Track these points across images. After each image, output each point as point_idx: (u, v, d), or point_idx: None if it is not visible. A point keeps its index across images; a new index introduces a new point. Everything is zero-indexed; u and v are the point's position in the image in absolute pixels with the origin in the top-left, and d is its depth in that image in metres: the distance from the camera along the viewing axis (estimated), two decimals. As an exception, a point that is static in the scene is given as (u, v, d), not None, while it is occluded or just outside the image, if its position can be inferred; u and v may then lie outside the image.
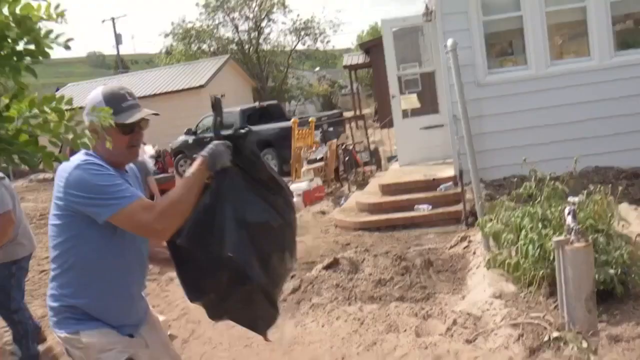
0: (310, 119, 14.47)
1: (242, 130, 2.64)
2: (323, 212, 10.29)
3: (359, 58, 30.06)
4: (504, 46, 9.87)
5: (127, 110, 2.51)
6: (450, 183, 8.67)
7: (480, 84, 8.52)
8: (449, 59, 7.94)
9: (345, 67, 30.95)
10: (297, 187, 11.23)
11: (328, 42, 38.17)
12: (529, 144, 8.22)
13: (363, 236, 8.32)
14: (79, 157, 2.47)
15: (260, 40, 36.89)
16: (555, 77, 8.52)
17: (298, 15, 52.48)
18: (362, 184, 11.77)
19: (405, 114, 10.52)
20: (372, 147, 15.16)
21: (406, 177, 9.45)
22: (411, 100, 10.47)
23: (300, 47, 37.93)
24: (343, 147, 13.61)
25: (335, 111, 22.40)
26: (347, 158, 13.03)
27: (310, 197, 11.24)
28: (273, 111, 19.14)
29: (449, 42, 7.80)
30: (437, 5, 8.78)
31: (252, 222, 2.52)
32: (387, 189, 9.25)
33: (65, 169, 2.43)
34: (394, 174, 10.17)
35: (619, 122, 8.37)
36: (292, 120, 14.02)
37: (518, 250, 4.98)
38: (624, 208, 6.21)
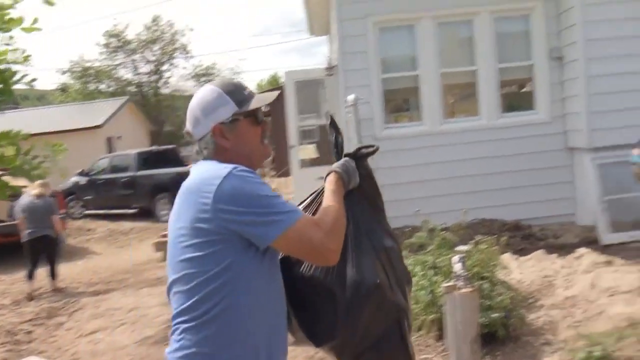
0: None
1: (370, 148, 2.33)
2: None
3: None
4: (401, 102, 10.38)
5: (252, 97, 2.09)
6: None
7: (377, 138, 8.91)
8: (349, 113, 8.31)
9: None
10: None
11: (229, 89, 38.25)
12: (422, 196, 8.62)
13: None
14: (216, 165, 1.95)
15: (160, 84, 36.71)
16: (448, 134, 9.05)
17: (200, 61, 52.52)
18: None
19: (303, 163, 10.81)
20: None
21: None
22: (309, 151, 10.75)
23: (200, 93, 37.83)
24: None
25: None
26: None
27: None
28: (170, 156, 18.99)
29: (351, 97, 8.18)
30: (339, 62, 9.20)
31: (386, 247, 2.24)
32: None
33: (207, 180, 1.88)
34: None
35: (503, 178, 8.98)
36: (189, 165, 14.00)
37: (414, 297, 5.26)
38: (507, 257, 6.67)
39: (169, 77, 37.50)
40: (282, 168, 18.37)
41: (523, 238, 8.53)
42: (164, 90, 37.23)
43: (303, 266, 2.15)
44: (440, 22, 9.20)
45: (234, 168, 1.89)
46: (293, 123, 10.75)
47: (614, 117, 8.35)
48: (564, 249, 7.63)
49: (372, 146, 2.33)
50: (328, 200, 2.06)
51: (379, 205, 2.35)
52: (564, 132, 9.19)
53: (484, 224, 8.71)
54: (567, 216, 9.11)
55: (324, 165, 10.72)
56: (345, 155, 2.29)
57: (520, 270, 6.69)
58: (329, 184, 2.14)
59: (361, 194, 2.26)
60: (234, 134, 2.01)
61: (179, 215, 1.93)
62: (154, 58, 36.19)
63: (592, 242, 8.12)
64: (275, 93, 2.24)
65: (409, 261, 5.42)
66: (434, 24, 9.14)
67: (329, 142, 2.40)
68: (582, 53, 8.50)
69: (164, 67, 36.73)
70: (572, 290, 5.80)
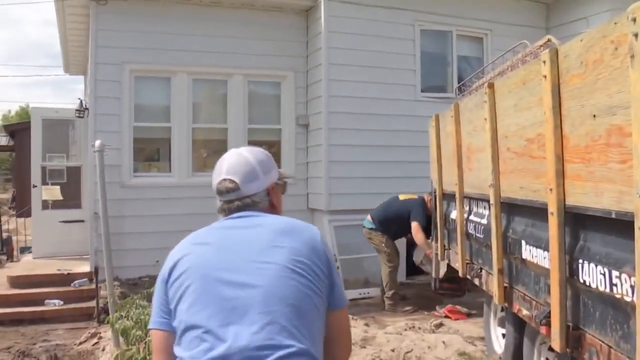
0: None
1: None
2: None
3: (1, 140, 28.12)
4: (152, 152, 10.37)
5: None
6: (86, 279, 8.63)
7: (125, 185, 8.82)
8: (96, 158, 8.13)
9: (-16, 147, 28.64)
10: None
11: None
12: (165, 246, 8.58)
13: (-16, 331, 7.76)
14: (291, 218, 2.06)
15: None
16: (196, 187, 9.15)
17: None
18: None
19: (45, 204, 10.28)
20: (4, 235, 14.21)
21: (39, 269, 9.13)
22: (54, 192, 10.27)
23: None
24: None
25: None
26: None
27: None
28: None
29: (97, 143, 8.00)
30: (91, 105, 9.00)
31: None
32: (16, 281, 8.79)
33: (307, 227, 1.99)
34: (27, 265, 9.74)
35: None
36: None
37: (146, 346, 5.24)
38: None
39: None
40: (22, 207, 17.12)
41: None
42: None
43: None
44: (196, 79, 9.49)
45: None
46: (37, 162, 10.19)
47: (348, 184, 9.16)
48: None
49: None
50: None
51: None
52: (306, 194, 9.87)
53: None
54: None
55: (68, 209, 10.31)
56: None
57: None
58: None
59: None
60: (276, 194, 2.16)
61: (278, 246, 1.88)
62: None
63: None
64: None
65: (147, 310, 5.41)
66: (190, 79, 9.40)
67: None
68: (325, 123, 9.29)
69: None
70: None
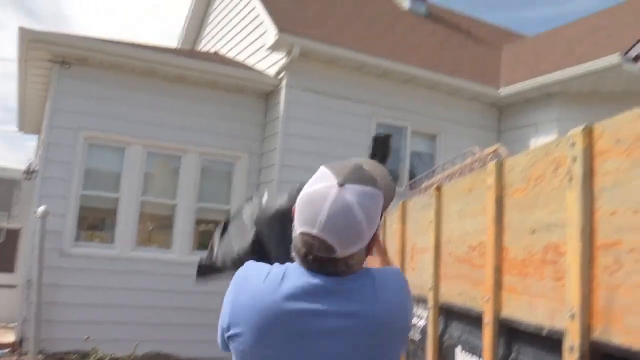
0: None
1: None
2: None
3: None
4: (97, 221, 10.13)
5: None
6: (8, 350, 8.23)
7: (65, 253, 8.58)
8: (38, 223, 7.93)
9: None
10: None
11: None
12: (99, 321, 8.35)
13: None
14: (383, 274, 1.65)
15: None
16: (138, 262, 9.00)
17: None
18: None
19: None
20: None
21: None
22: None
23: None
24: None
25: None
26: None
27: None
28: None
29: (41, 209, 7.84)
30: (40, 167, 8.83)
31: None
32: None
33: (397, 281, 1.67)
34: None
35: (182, 314, 9.02)
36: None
37: None
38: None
39: None
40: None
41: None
42: None
43: None
44: (151, 152, 9.43)
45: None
46: (-24, 221, 9.90)
47: None
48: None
49: None
50: None
51: None
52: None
53: (159, 358, 8.63)
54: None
55: (0, 272, 9.93)
56: None
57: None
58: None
59: None
60: (377, 238, 1.70)
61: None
62: None
63: None
64: None
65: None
66: (145, 151, 9.33)
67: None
68: (276, 207, 9.23)
69: None
70: None
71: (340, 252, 1.51)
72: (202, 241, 9.79)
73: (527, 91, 10.48)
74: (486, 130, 10.75)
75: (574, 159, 2.08)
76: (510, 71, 11.73)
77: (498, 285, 2.72)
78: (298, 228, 1.55)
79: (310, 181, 1.59)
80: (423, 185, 6.49)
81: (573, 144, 2.10)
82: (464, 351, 3.33)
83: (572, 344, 2.01)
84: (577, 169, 2.06)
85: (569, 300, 2.05)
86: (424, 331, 4.06)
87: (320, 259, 1.52)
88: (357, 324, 1.49)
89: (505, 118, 11.20)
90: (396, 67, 10.09)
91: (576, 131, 2.09)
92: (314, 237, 1.50)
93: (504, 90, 10.82)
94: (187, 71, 9.35)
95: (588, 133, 2.05)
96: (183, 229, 9.44)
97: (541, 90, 10.26)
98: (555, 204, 2.26)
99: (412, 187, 7.45)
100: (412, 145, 10.60)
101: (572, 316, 2.02)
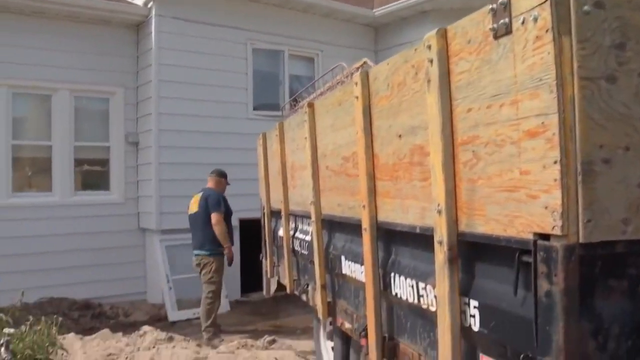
0: None
1: None
2: None
3: None
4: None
5: None
6: None
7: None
8: None
9: None
10: None
11: None
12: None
13: None
14: None
15: None
16: (17, 209, 8.66)
17: None
18: None
19: None
20: None
21: None
22: None
23: None
24: None
25: None
26: None
27: None
28: None
29: None
30: None
31: None
32: None
33: None
34: None
35: (74, 257, 8.87)
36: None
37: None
38: (70, 338, 6.56)
39: None
40: None
41: (93, 317, 8.52)
42: None
43: None
44: (17, 93, 8.88)
45: None
46: None
47: (179, 202, 8.72)
48: (132, 327, 7.80)
49: None
50: None
51: None
52: (137, 213, 9.58)
53: (52, 304, 8.45)
54: (139, 294, 9.41)
55: None
56: None
57: (84, 350, 6.61)
58: None
59: None
60: None
61: None
62: None
63: (161, 319, 8.51)
64: None
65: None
66: (9, 93, 8.78)
67: None
68: (155, 141, 9.10)
69: None
70: (132, 367, 5.96)
71: None
72: (85, 181, 9.50)
73: (401, 10, 10.65)
74: (364, 50, 10.82)
75: (431, 61, 2.15)
76: (384, -9, 11.83)
77: (372, 191, 2.82)
78: None
79: None
80: (298, 105, 6.53)
81: (429, 47, 2.16)
82: (348, 260, 3.47)
83: (440, 238, 2.13)
84: (434, 71, 2.13)
85: (435, 198, 2.16)
86: (311, 246, 4.17)
87: None
88: None
89: (382, 38, 11.36)
90: (267, -10, 9.93)
91: (431, 34, 2.15)
92: None
93: (379, 11, 10.93)
94: (45, 4, 8.67)
95: (442, 35, 2.12)
96: (62, 170, 9.08)
97: (415, 8, 10.46)
98: (418, 107, 2.34)
99: (291, 106, 7.48)
100: (291, 68, 10.59)
101: (440, 212, 2.13)
